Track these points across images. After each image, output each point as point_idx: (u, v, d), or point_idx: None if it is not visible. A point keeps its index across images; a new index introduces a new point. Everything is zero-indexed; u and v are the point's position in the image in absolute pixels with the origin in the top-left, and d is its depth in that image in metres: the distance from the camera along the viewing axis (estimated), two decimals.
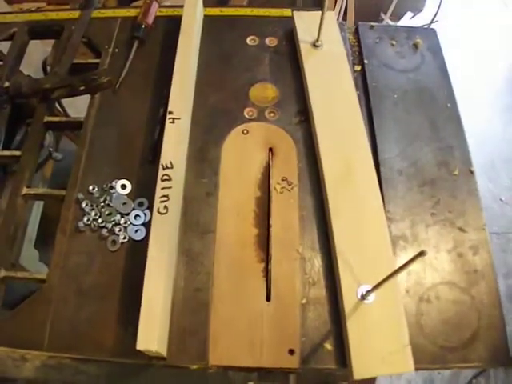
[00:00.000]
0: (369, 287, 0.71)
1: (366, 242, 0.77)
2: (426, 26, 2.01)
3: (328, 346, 0.74)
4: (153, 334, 0.68)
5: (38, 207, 1.37)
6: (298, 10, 1.08)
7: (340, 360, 0.73)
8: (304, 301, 0.77)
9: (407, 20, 2.65)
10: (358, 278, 0.74)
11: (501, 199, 2.39)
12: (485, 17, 3.04)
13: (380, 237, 0.78)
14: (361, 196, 0.81)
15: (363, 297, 0.72)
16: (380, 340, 0.70)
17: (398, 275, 0.63)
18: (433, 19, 2.15)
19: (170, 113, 0.85)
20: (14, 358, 0.76)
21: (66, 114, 1.25)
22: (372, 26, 1.09)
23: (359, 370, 0.68)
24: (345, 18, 1.96)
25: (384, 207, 0.83)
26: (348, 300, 0.73)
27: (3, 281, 0.82)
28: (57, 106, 1.16)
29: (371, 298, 0.72)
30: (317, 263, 0.80)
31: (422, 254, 0.55)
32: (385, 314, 0.71)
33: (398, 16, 2.57)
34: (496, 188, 2.44)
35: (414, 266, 0.77)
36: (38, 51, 1.34)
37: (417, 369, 0.70)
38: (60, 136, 1.39)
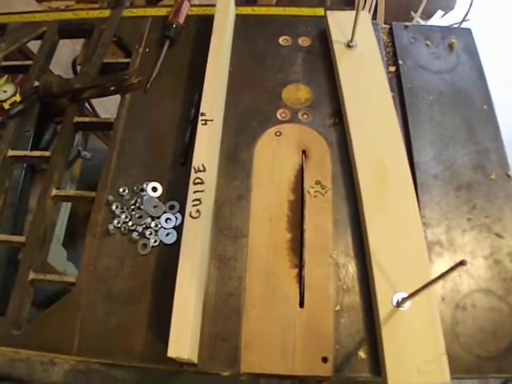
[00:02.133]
0: (404, 294, 0.69)
1: (401, 248, 0.75)
2: (459, 25, 1.98)
3: (362, 354, 0.72)
4: (184, 341, 0.67)
5: (66, 206, 1.37)
6: (331, 9, 1.06)
7: (374, 369, 0.71)
8: (338, 307, 0.75)
9: (438, 19, 2.61)
10: (394, 285, 0.72)
11: None
12: None
13: (416, 243, 0.76)
14: (396, 200, 0.80)
15: (399, 304, 0.70)
16: (415, 349, 0.68)
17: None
18: (464, 17, 2.11)
19: (203, 114, 0.84)
20: (43, 361, 0.76)
21: (95, 114, 1.25)
22: (406, 26, 1.07)
23: (394, 380, 0.66)
24: (374, 16, 1.95)
25: (419, 212, 0.82)
26: (383, 307, 0.71)
27: (32, 283, 0.81)
28: (86, 105, 1.16)
29: (407, 305, 0.70)
30: (351, 269, 0.78)
31: (461, 263, 0.53)
32: (421, 322, 0.69)
33: (428, 14, 2.54)
34: None
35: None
36: (68, 50, 1.35)
37: (453, 378, 0.68)
38: (88, 135, 1.39)
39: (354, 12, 0.93)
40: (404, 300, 0.70)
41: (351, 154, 0.86)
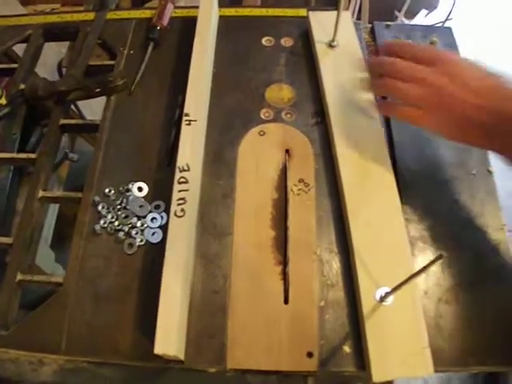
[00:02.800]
0: (387, 289, 0.70)
1: (383, 244, 0.76)
2: (441, 24, 2.00)
3: (347, 348, 0.73)
4: (170, 338, 0.67)
5: (53, 208, 1.38)
6: (314, 9, 1.07)
7: (359, 363, 0.72)
8: (322, 303, 0.76)
9: (422, 18, 2.63)
10: (377, 280, 0.73)
11: None
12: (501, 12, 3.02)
13: (398, 237, 0.77)
14: (378, 197, 0.81)
15: (382, 299, 0.71)
16: (399, 342, 0.69)
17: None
18: (447, 16, 2.13)
19: (186, 115, 0.85)
20: (32, 361, 0.76)
21: (81, 116, 1.25)
22: (388, 25, 1.08)
23: (378, 373, 0.67)
24: (359, 16, 1.96)
25: (402, 208, 0.83)
26: (366, 302, 0.72)
27: (20, 284, 0.82)
28: (72, 107, 1.17)
29: (390, 299, 0.71)
30: (335, 265, 0.79)
31: (440, 257, 0.54)
32: (404, 315, 0.70)
33: (412, 14, 2.55)
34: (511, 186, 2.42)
35: (432, 267, 0.77)
36: (53, 52, 1.35)
37: (436, 371, 0.69)
38: (75, 137, 1.40)
39: (335, 12, 0.94)
40: (387, 294, 0.71)
41: (333, 151, 0.87)
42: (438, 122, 0.75)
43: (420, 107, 0.76)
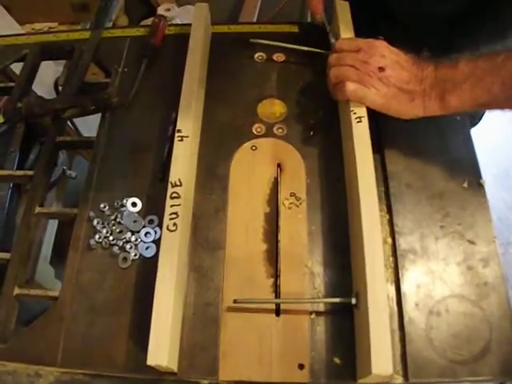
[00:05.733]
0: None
1: (362, 254, 0.74)
2: None
3: (337, 359, 0.74)
4: (163, 349, 0.68)
5: (52, 225, 1.39)
6: (307, 26, 1.08)
7: (349, 374, 0.73)
8: (313, 315, 0.77)
9: None
10: (357, 288, 0.75)
11: None
12: None
13: (374, 249, 0.74)
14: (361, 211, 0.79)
15: (356, 305, 0.74)
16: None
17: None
18: None
19: (179, 131, 0.86)
20: (29, 374, 0.77)
21: (77, 132, 1.26)
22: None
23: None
24: None
25: (392, 221, 0.84)
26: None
27: (17, 298, 0.83)
28: (69, 123, 1.18)
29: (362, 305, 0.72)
30: (325, 277, 0.80)
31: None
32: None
33: None
34: (510, 197, 2.43)
35: (423, 279, 0.79)
36: (51, 70, 1.37)
37: (427, 383, 0.70)
38: (74, 154, 1.41)
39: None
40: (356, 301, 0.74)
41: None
42: (377, 93, 0.85)
43: (361, 83, 0.86)
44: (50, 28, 1.97)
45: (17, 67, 1.13)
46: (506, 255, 2.28)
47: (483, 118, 1.36)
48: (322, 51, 1.00)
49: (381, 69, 0.84)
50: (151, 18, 1.15)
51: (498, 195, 2.41)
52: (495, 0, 1.02)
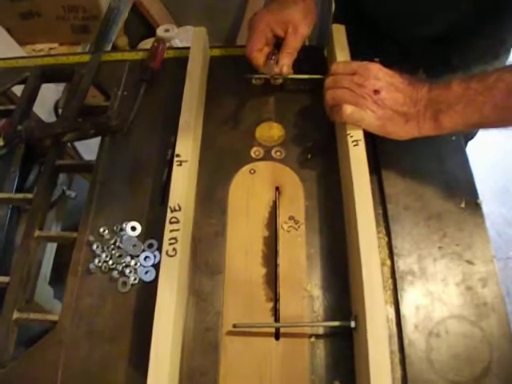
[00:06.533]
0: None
1: (360, 277, 0.75)
2: None
3: (337, 383, 0.74)
4: (163, 374, 0.68)
5: (51, 245, 1.39)
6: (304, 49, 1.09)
7: None
8: (312, 339, 0.77)
9: None
10: (356, 311, 0.76)
11: None
12: None
13: (372, 272, 0.74)
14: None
15: (355, 328, 0.74)
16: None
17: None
18: None
19: (178, 155, 0.86)
20: None
21: (77, 154, 1.27)
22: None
23: None
24: None
25: (391, 243, 0.85)
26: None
27: (17, 322, 0.83)
28: (69, 145, 1.19)
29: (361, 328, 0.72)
30: (324, 301, 0.81)
31: None
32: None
33: None
34: (509, 212, 2.44)
35: (422, 301, 0.79)
36: (51, 93, 1.38)
37: None
38: (73, 174, 1.42)
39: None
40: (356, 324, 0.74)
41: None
42: (373, 115, 0.86)
43: (357, 106, 0.87)
44: (51, 49, 1.99)
45: (17, 89, 1.14)
46: (506, 270, 2.29)
47: (477, 134, 1.38)
48: (319, 77, 1.00)
49: (376, 91, 0.85)
50: (151, 39, 1.17)
51: (497, 211, 2.42)
52: (481, 21, 1.04)
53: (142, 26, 2.53)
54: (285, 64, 0.99)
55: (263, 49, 1.00)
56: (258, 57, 1.00)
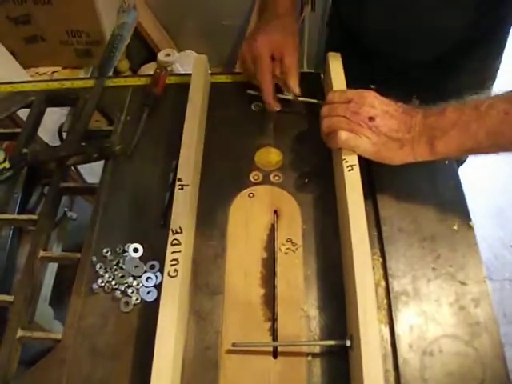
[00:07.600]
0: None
1: (355, 298, 0.76)
2: None
3: None
4: None
5: (52, 267, 1.41)
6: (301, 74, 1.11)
7: None
8: (309, 357, 0.79)
9: None
10: (351, 331, 0.78)
11: None
12: None
13: (366, 293, 0.76)
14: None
15: (351, 347, 0.76)
16: None
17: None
18: None
19: (179, 180, 0.89)
20: None
21: (80, 177, 1.29)
22: None
23: None
24: None
25: (386, 264, 0.87)
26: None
27: (20, 340, 0.85)
28: (72, 168, 1.21)
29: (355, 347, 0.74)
30: (321, 320, 0.83)
31: None
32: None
33: None
34: (506, 235, 2.46)
35: (416, 320, 0.81)
36: (55, 114, 1.40)
37: None
38: (75, 196, 1.44)
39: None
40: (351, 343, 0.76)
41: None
42: (368, 142, 0.88)
43: (353, 132, 0.88)
44: (54, 72, 2.02)
45: (21, 112, 1.16)
46: (503, 291, 2.30)
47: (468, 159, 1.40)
48: (317, 101, 1.03)
49: (371, 118, 0.87)
50: (152, 63, 1.20)
51: (494, 233, 2.45)
52: (467, 52, 1.08)
53: (143, 50, 2.57)
54: (296, 85, 1.03)
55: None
56: (273, 104, 1.04)
